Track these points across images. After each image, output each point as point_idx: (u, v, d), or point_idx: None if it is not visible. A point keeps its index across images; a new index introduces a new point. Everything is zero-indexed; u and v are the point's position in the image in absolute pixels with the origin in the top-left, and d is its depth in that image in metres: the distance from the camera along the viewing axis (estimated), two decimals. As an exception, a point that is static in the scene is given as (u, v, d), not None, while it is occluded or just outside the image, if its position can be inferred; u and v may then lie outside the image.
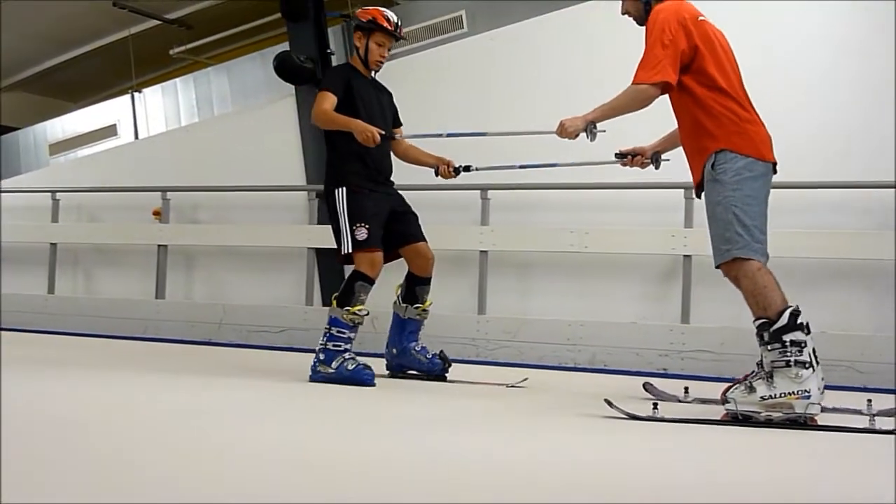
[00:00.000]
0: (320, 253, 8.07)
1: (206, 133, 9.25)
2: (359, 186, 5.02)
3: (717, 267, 3.91)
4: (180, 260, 8.77)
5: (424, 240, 5.29)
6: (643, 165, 4.52)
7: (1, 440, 2.48)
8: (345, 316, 4.91)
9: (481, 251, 7.27)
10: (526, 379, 5.23)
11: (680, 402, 4.49)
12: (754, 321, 3.79)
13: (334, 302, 4.92)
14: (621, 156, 4.51)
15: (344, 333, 4.91)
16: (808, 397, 3.68)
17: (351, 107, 5.05)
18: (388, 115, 5.30)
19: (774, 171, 4.02)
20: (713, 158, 3.91)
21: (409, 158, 5.41)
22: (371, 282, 4.95)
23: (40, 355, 6.19)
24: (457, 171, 5.24)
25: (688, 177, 4.11)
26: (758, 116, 4.02)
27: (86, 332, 8.35)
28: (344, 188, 5.01)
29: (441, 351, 5.33)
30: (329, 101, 5.00)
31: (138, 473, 2.37)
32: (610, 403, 3.90)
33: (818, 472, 2.91)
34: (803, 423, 3.68)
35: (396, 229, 5.18)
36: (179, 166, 8.98)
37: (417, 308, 5.34)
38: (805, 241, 6.27)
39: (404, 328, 5.33)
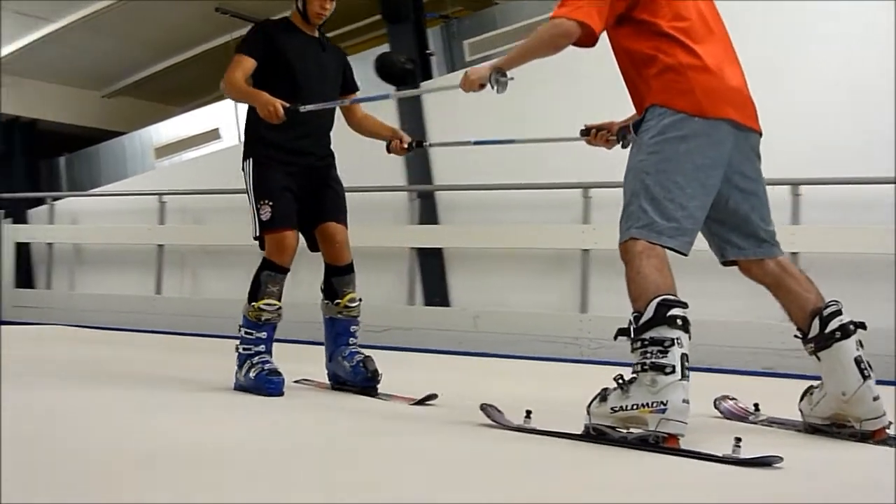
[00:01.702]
0: (421, 253, 8.25)
1: (307, 135, 9.52)
2: (267, 158, 4.31)
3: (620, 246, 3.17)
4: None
5: (338, 219, 4.49)
6: (608, 143, 3.78)
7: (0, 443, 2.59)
8: (249, 313, 4.25)
9: (583, 250, 7.37)
10: (433, 396, 4.08)
11: (749, 422, 3.69)
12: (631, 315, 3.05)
13: (248, 297, 4.29)
14: (585, 132, 3.84)
15: (251, 334, 4.24)
16: (663, 411, 2.87)
17: (279, 70, 4.35)
18: (332, 79, 4.52)
19: (748, 130, 3.26)
20: (643, 115, 3.22)
21: (363, 130, 4.72)
22: (281, 270, 4.26)
23: (149, 357, 6.48)
24: (409, 146, 4.55)
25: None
26: (723, 63, 3.24)
27: (193, 331, 8.68)
28: (251, 160, 4.34)
29: (366, 357, 4.38)
30: (242, 66, 4.26)
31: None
32: (485, 409, 3.38)
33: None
34: (654, 443, 2.90)
35: (309, 208, 4.43)
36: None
37: (337, 304, 4.47)
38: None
39: (329, 330, 4.53)
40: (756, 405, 3.75)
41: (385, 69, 8.30)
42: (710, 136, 3.13)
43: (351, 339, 4.46)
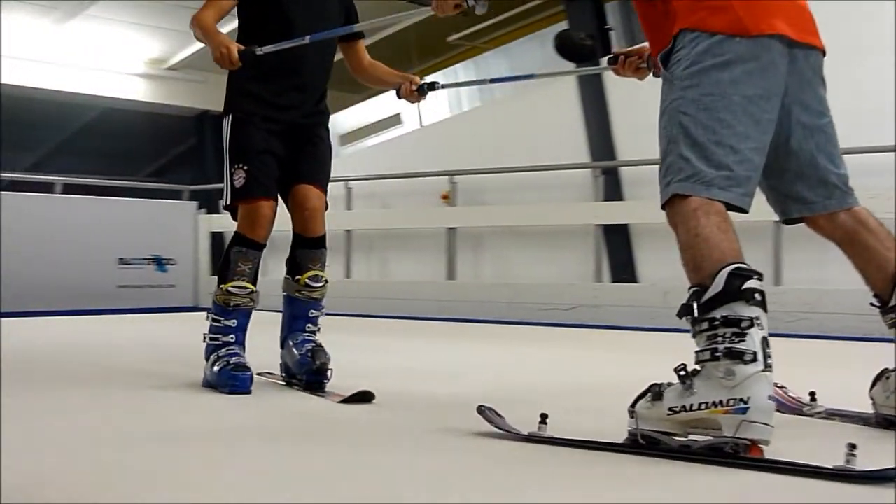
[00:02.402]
0: (607, 229, 8.34)
1: (488, 116, 9.72)
2: (247, 113, 3.78)
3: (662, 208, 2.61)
4: (469, 241, 9.28)
5: (314, 181, 3.84)
6: (639, 71, 3.29)
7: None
8: (218, 297, 3.69)
9: (775, 221, 7.24)
10: (367, 396, 3.35)
11: (804, 414, 3.06)
12: (688, 290, 2.52)
13: (217, 279, 3.75)
14: (613, 60, 3.37)
15: (219, 321, 3.68)
16: (744, 410, 2.27)
17: (268, 6, 3.83)
18: (327, 18, 3.91)
19: (807, 47, 2.63)
20: (670, 46, 2.62)
21: (371, 79, 4.15)
22: (254, 246, 3.69)
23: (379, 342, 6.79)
24: (421, 89, 3.95)
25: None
26: None
27: (382, 314, 9.01)
28: (230, 117, 3.79)
29: (317, 347, 3.74)
30: (218, 5, 3.76)
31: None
32: (484, 413, 2.72)
33: None
34: (732, 453, 2.27)
35: (287, 170, 3.83)
36: (464, 150, 9.48)
37: (296, 282, 3.83)
38: None
39: (285, 311, 3.90)
40: (812, 394, 3.14)
41: (565, 47, 8.38)
42: (759, 59, 2.52)
43: (308, 324, 3.82)
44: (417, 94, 3.94)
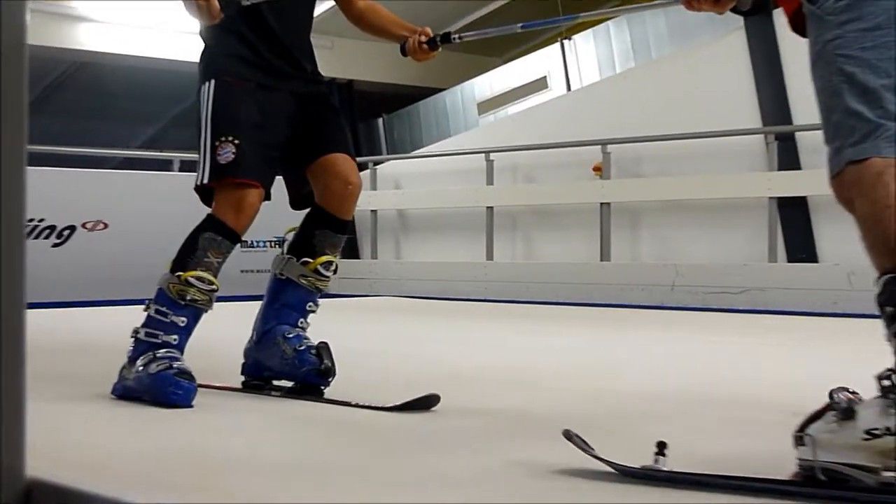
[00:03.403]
0: (782, 203, 8.19)
1: (644, 78, 9.63)
2: (237, 77, 3.50)
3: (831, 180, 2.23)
4: (625, 218, 9.22)
5: (348, 152, 3.60)
6: (719, 4, 2.74)
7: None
8: (170, 286, 3.35)
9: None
10: (434, 396, 3.13)
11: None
12: (877, 279, 2.10)
13: (168, 264, 3.41)
14: None
15: (165, 315, 3.35)
16: None
17: None
18: None
19: None
20: None
21: (367, 26, 3.80)
22: (232, 237, 3.40)
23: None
24: (432, 42, 3.60)
25: None
26: None
27: (527, 299, 9.04)
28: (213, 81, 3.48)
29: (321, 344, 3.48)
30: None
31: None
32: (571, 438, 2.25)
33: None
34: None
35: (303, 138, 3.58)
36: (618, 116, 9.42)
37: (307, 265, 3.55)
38: None
39: (275, 298, 3.59)
40: None
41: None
42: None
43: (301, 319, 3.57)
44: (428, 48, 3.60)
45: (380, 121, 13.45)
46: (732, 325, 6.89)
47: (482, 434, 2.75)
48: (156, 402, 3.15)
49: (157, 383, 3.20)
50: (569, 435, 2.24)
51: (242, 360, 3.56)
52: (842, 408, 1.99)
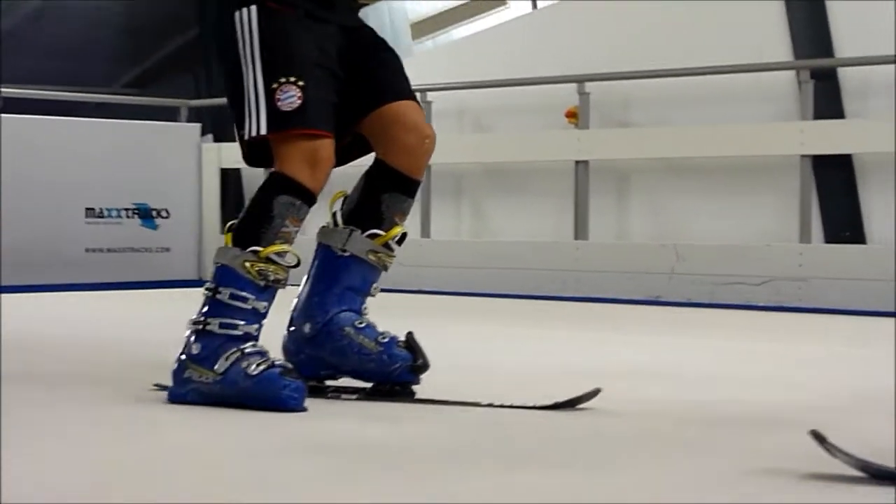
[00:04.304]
0: (820, 163, 8.25)
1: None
2: (288, 3, 3.73)
3: None
4: (608, 181, 9.25)
5: (413, 98, 3.92)
6: None
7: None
8: (247, 264, 3.60)
9: None
10: (598, 391, 3.67)
11: None
12: None
13: (228, 237, 3.67)
14: None
15: (245, 300, 3.61)
16: None
17: None
18: None
19: None
20: None
21: None
22: (308, 197, 3.67)
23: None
24: None
25: None
26: None
27: (473, 290, 9.05)
28: (253, 8, 3.70)
29: (409, 334, 3.82)
30: None
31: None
32: (820, 439, 2.69)
33: None
34: None
35: (358, 83, 3.83)
36: (600, 44, 9.44)
37: (375, 237, 3.84)
38: None
39: (336, 279, 3.87)
40: None
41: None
42: None
43: (363, 304, 3.90)
44: None
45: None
46: (751, 325, 6.94)
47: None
48: (264, 407, 3.46)
49: (264, 386, 3.50)
50: (818, 435, 2.65)
51: (284, 354, 3.84)
52: None
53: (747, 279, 8.11)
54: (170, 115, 11.39)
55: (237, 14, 3.70)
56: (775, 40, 8.65)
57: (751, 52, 8.64)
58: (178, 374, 3.63)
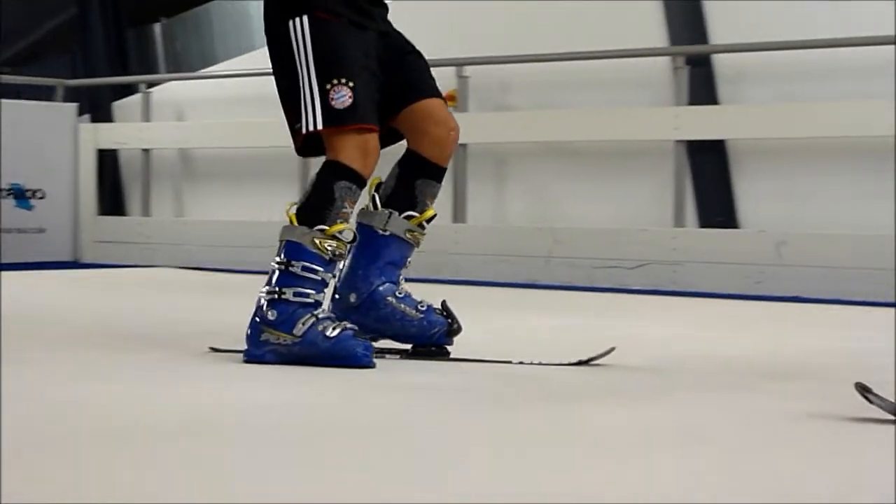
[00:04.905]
0: (694, 148, 8.35)
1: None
2: (335, 13, 4.26)
3: None
4: (486, 164, 9.28)
5: (439, 95, 4.54)
6: None
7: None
8: (317, 241, 4.14)
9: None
10: (613, 349, 4.28)
11: None
12: None
13: (293, 217, 4.21)
14: None
15: (315, 272, 4.15)
16: None
17: None
18: None
19: None
20: None
21: None
22: (361, 182, 4.23)
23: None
24: None
25: None
26: None
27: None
28: (306, 18, 4.22)
29: (444, 302, 4.45)
30: None
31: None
32: (865, 392, 3.09)
33: None
34: None
35: (391, 82, 4.40)
36: (479, 28, 9.46)
37: (411, 219, 4.43)
38: None
39: (378, 255, 4.42)
40: None
41: None
42: None
43: (400, 275, 4.47)
44: None
45: (156, 27, 13.21)
46: (624, 307, 6.98)
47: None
48: (341, 364, 4.04)
49: (341, 346, 4.08)
50: (863, 388, 3.06)
51: None
52: None
53: (623, 263, 8.18)
54: (46, 94, 11.27)
55: (291, 22, 4.21)
56: (651, 26, 8.72)
57: (627, 37, 8.71)
58: (253, 337, 4.15)
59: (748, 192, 8.37)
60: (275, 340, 4.13)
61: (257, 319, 4.15)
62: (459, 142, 8.73)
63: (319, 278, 4.14)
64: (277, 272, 4.15)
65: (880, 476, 2.48)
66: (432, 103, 4.45)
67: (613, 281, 8.16)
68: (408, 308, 4.36)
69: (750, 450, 2.80)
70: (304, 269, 4.12)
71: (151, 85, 11.23)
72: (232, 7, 12.56)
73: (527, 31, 9.19)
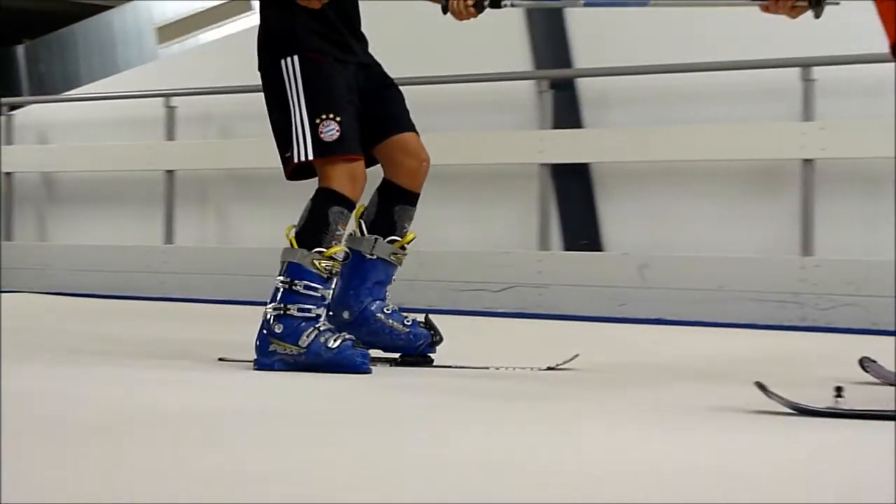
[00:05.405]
0: (559, 172, 8.38)
1: (383, 7, 9.61)
2: (321, 53, 4.79)
3: None
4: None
5: (414, 129, 5.04)
6: (795, 10, 4.42)
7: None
8: (316, 262, 4.65)
9: (804, 160, 7.38)
10: (576, 356, 4.90)
11: None
12: None
13: (293, 240, 4.71)
14: None
15: (316, 290, 4.66)
16: None
17: None
18: None
19: None
20: None
21: None
22: (351, 206, 4.74)
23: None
24: (479, 5, 4.79)
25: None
26: None
27: (220, 297, 8.96)
28: (296, 57, 4.74)
29: (427, 316, 5.08)
30: None
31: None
32: (764, 389, 3.62)
33: None
34: None
35: (370, 115, 4.91)
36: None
37: (394, 243, 5.00)
38: None
39: (366, 276, 4.98)
40: None
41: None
42: None
43: (386, 291, 5.02)
44: (474, 10, 4.81)
45: (19, 49, 13.04)
46: (483, 331, 7.01)
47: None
48: (341, 371, 4.52)
49: (343, 355, 4.58)
50: (762, 386, 3.56)
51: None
52: None
53: (488, 286, 8.18)
54: None
55: (282, 62, 4.71)
56: (516, 50, 8.75)
57: (492, 61, 8.73)
58: (262, 348, 4.63)
59: (612, 215, 8.42)
60: (282, 351, 4.62)
61: (265, 332, 4.64)
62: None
63: (319, 294, 4.64)
64: (282, 290, 4.63)
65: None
66: (406, 137, 4.95)
67: (479, 304, 8.15)
68: (395, 323, 4.91)
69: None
70: (306, 287, 4.61)
71: (14, 107, 11.05)
72: (96, 29, 12.43)
73: (392, 53, 9.16)
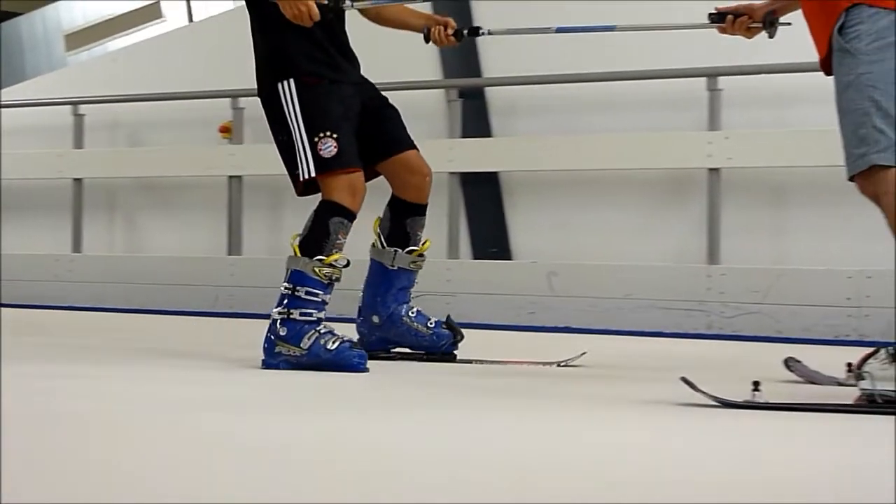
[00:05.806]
0: (468, 180, 8.42)
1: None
2: (316, 76, 5.14)
3: (849, 179, 3.97)
4: (263, 196, 9.22)
5: (415, 147, 5.44)
6: (751, 31, 4.68)
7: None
8: (317, 269, 4.98)
9: (710, 169, 7.44)
10: (584, 353, 5.40)
11: (840, 384, 4.60)
12: None
13: (297, 248, 5.02)
14: (718, 17, 4.71)
15: (317, 296, 4.99)
16: None
17: None
18: None
19: None
20: (842, 18, 3.97)
21: (384, 19, 5.69)
22: (351, 217, 5.05)
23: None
24: (459, 34, 5.42)
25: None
26: None
27: (127, 306, 8.87)
28: (292, 81, 5.09)
29: (448, 317, 5.58)
30: None
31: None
32: (689, 384, 3.95)
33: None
34: None
35: (372, 133, 5.30)
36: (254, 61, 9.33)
37: (412, 252, 5.49)
38: None
39: (391, 284, 5.50)
40: (849, 364, 4.49)
41: None
42: None
43: (410, 294, 5.53)
44: (454, 38, 5.39)
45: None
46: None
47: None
48: (340, 370, 4.85)
49: (341, 356, 4.91)
50: (688, 382, 3.90)
51: (359, 337, 5.41)
52: (891, 351, 3.76)
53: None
54: None
55: (279, 85, 5.06)
56: (426, 59, 8.74)
57: (402, 70, 8.71)
58: (269, 349, 4.96)
59: (521, 224, 8.45)
60: (286, 352, 4.94)
61: (271, 336, 4.97)
62: (232, 174, 8.96)
63: (320, 300, 4.95)
64: (286, 296, 4.97)
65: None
66: (409, 155, 5.36)
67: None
68: (420, 325, 5.42)
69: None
70: (308, 293, 4.93)
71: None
72: (5, 36, 12.29)
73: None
